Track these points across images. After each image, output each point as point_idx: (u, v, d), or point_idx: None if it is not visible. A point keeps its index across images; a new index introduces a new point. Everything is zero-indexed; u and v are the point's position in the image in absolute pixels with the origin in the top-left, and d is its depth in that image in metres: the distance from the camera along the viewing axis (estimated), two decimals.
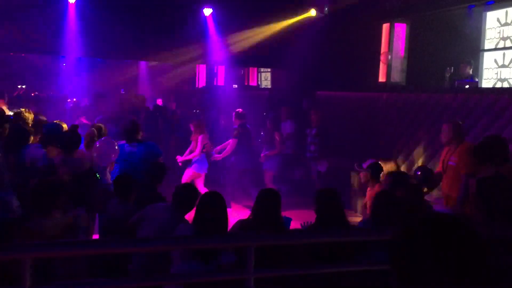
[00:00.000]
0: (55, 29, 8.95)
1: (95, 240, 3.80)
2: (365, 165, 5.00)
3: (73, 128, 5.09)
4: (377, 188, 4.42)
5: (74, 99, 14.25)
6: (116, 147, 4.91)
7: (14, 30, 8.72)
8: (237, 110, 8.76)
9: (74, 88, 16.08)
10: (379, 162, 5.13)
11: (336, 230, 3.31)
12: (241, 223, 3.91)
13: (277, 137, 8.50)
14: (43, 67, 17.00)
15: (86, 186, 4.74)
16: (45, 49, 10.16)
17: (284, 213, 4.26)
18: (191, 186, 4.20)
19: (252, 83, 15.53)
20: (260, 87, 15.07)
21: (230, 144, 8.49)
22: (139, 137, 5.74)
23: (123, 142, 5.70)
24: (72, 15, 9.14)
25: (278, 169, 8.74)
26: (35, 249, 2.69)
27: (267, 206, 3.77)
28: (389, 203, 3.53)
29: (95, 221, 5.26)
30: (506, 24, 8.29)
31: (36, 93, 15.18)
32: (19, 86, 18.42)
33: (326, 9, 10.21)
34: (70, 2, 9.08)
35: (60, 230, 3.78)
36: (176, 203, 3.90)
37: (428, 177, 5.00)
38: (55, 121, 5.73)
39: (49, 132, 5.10)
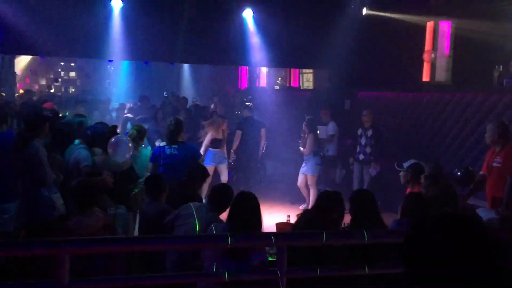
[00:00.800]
0: (100, 33, 9.26)
1: (128, 237, 3.90)
2: (406, 165, 4.86)
3: (113, 129, 5.23)
4: (416, 189, 4.30)
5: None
6: (130, 145, 4.93)
7: (61, 35, 9.09)
8: (247, 103, 9.25)
9: (120, 91, 16.60)
10: (421, 163, 4.97)
11: (368, 232, 3.24)
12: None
13: (309, 140, 8.40)
14: (90, 71, 17.64)
15: (127, 186, 4.87)
16: (91, 53, 10.53)
17: None
18: (226, 186, 4.24)
19: (294, 84, 15.48)
20: (301, 88, 15.00)
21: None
22: (181, 139, 5.81)
23: (163, 145, 5.80)
24: (117, 20, 9.43)
25: (318, 171, 8.63)
26: (73, 245, 2.79)
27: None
28: (418, 204, 3.44)
29: (136, 220, 5.41)
30: None
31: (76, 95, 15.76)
32: (69, 90, 19.23)
33: (365, 8, 10.03)
34: (115, 7, 9.37)
35: (100, 229, 3.91)
36: (210, 202, 3.95)
37: (469, 179, 4.83)
38: (98, 122, 5.90)
39: (93, 134, 5.26)
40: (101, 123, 5.82)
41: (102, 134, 5.21)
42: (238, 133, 9.16)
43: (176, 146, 5.68)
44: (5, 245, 2.79)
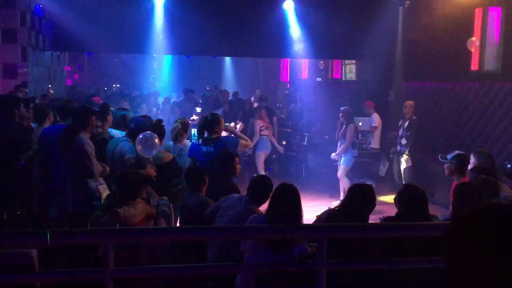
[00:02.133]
0: (144, 28, 9.47)
1: (169, 227, 3.96)
2: (450, 156, 4.70)
3: (157, 122, 5.32)
4: (463, 181, 4.15)
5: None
6: (156, 140, 4.86)
7: (107, 32, 9.34)
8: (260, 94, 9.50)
9: (164, 85, 16.92)
10: (465, 154, 4.79)
11: (413, 225, 3.17)
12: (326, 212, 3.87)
13: (349, 131, 8.24)
14: (135, 66, 18.03)
15: (169, 179, 4.95)
16: (135, 49, 10.78)
17: None
18: (265, 177, 4.22)
19: (336, 76, 15.27)
20: (344, 79, 14.78)
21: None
22: (216, 135, 5.43)
23: (199, 143, 5.58)
24: (159, 15, 9.59)
25: (352, 163, 8.48)
26: (116, 235, 2.87)
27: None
28: (469, 195, 3.31)
29: (177, 216, 5.47)
30: None
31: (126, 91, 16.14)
32: (114, 85, 19.72)
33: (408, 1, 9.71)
34: (157, 2, 9.54)
35: (143, 219, 4.01)
36: (250, 194, 3.96)
37: None
38: (141, 116, 5.98)
39: (137, 127, 5.35)
40: (144, 116, 5.89)
41: (145, 127, 5.28)
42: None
43: (212, 143, 5.37)
44: (53, 234, 2.89)
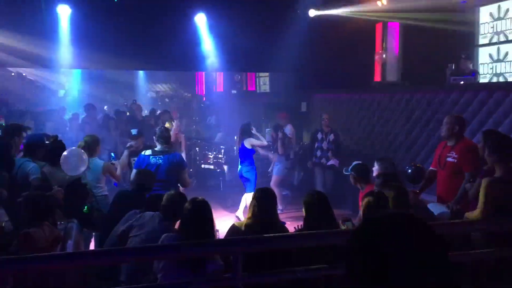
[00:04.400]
0: (47, 42, 8.97)
1: (73, 253, 3.76)
2: (350, 168, 4.96)
3: (53, 139, 5.06)
4: (367, 189, 4.37)
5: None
6: (84, 157, 4.79)
7: (9, 46, 8.76)
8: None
9: (74, 100, 16.15)
10: (363, 163, 5.08)
11: (323, 234, 3.27)
12: (234, 227, 3.88)
13: (280, 141, 8.47)
14: (41, 80, 17.05)
15: (75, 199, 4.70)
16: (39, 63, 10.19)
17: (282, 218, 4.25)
18: (179, 193, 4.15)
19: (251, 88, 15.53)
20: (258, 91, 15.06)
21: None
22: (167, 147, 5.67)
23: (148, 154, 5.65)
24: (65, 28, 9.17)
25: (284, 173, 8.70)
26: (16, 263, 2.67)
27: (265, 206, 3.74)
28: (377, 202, 3.49)
29: (91, 233, 5.24)
30: (499, 18, 8.25)
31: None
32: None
33: (312, 10, 10.05)
34: (64, 13, 9.11)
35: (50, 244, 3.78)
36: (163, 211, 3.87)
37: (420, 175, 4.94)
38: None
39: (29, 143, 5.08)
40: (40, 133, 5.65)
41: (40, 145, 5.04)
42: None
43: (161, 155, 5.53)
44: None
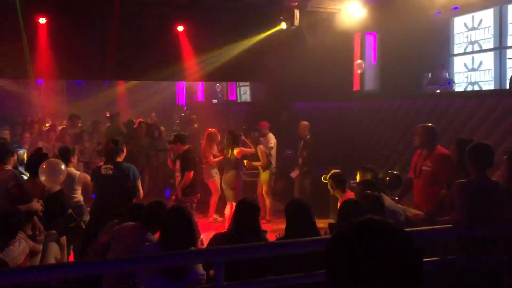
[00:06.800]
0: (24, 51, 8.83)
1: (50, 265, 3.73)
2: (328, 176, 5.06)
3: (36, 151, 5.02)
4: (346, 196, 4.43)
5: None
6: (63, 167, 4.77)
7: None
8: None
9: (50, 111, 15.95)
10: (337, 171, 5.19)
11: (304, 242, 3.30)
12: (217, 236, 3.88)
13: (262, 152, 8.48)
14: (17, 91, 16.77)
15: (56, 209, 4.66)
16: (14, 73, 10.03)
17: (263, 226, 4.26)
18: (159, 203, 4.12)
19: (231, 97, 15.58)
20: (239, 101, 15.11)
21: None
22: (119, 159, 5.56)
23: (100, 165, 5.61)
24: (43, 37, 9.06)
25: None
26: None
27: (246, 216, 3.76)
28: (351, 210, 3.54)
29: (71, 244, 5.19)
30: (473, 28, 8.46)
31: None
32: None
33: (296, 21, 10.14)
34: (40, 23, 9.00)
35: (27, 257, 3.73)
36: (145, 221, 3.86)
37: (397, 183, 5.02)
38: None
39: None
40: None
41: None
42: None
43: (111, 166, 5.47)
44: None
